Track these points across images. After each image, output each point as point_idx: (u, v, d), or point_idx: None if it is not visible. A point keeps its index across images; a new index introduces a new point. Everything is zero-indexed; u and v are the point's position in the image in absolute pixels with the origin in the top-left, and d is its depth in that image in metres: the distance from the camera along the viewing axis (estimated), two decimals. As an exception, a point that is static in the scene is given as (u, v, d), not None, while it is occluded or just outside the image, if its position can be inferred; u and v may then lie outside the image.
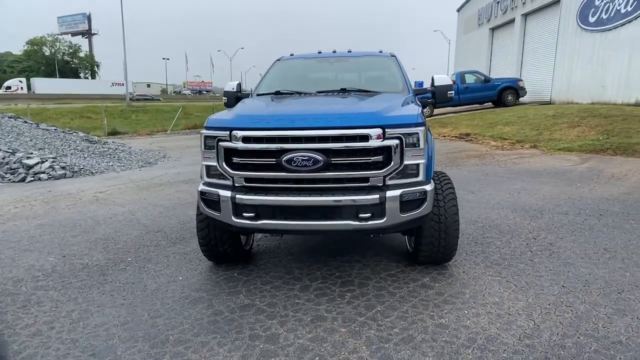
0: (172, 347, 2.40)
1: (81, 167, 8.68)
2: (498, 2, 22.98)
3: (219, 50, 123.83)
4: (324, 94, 3.75)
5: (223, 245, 3.34)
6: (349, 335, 2.45)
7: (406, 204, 2.73)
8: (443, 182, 3.15)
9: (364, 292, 3.00)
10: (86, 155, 9.79)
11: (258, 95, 4.03)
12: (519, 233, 4.13)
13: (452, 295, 2.89)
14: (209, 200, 2.95)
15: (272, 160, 2.74)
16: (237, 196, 2.79)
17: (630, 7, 11.94)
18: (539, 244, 3.83)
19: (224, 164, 2.87)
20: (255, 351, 2.33)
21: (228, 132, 2.84)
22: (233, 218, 2.84)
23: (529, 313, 2.62)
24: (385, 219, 2.71)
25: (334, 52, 4.61)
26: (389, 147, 2.69)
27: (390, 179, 2.74)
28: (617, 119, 10.11)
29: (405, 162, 2.73)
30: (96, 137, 12.32)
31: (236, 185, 2.87)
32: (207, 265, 3.60)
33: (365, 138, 2.66)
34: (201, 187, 3.00)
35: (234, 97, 4.32)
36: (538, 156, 8.96)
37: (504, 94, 17.53)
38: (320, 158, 2.65)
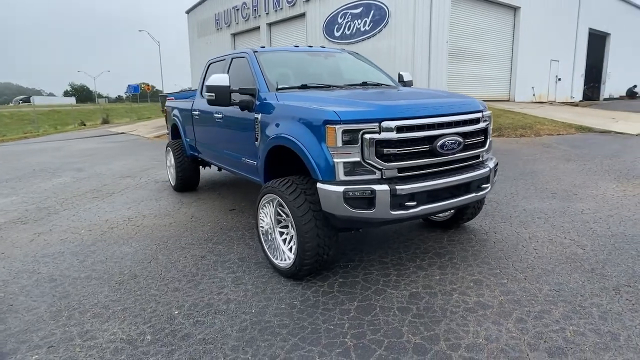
0: (444, 341, 2.35)
1: None
2: (238, 9, 24.99)
3: None
4: (359, 87, 3.95)
5: (329, 251, 3.12)
6: (520, 289, 3.05)
7: (494, 173, 3.50)
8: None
9: (463, 257, 3.57)
10: None
11: (280, 89, 3.72)
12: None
13: (508, 241, 3.87)
14: (358, 199, 2.79)
15: (425, 147, 2.92)
16: (398, 187, 2.81)
17: (368, 27, 15.97)
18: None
19: (374, 156, 2.80)
20: (490, 318, 2.61)
21: (377, 124, 2.79)
22: (391, 211, 2.83)
23: (577, 228, 3.92)
24: (490, 186, 3.39)
25: (310, 46, 4.63)
26: (486, 128, 3.37)
27: (485, 153, 3.43)
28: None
29: (489, 139, 3.49)
30: None
31: (385, 177, 2.86)
32: (289, 286, 3.20)
33: (478, 121, 3.25)
34: (342, 188, 2.78)
35: (228, 92, 3.78)
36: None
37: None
38: (461, 140, 3.06)
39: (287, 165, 3.65)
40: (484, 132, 3.34)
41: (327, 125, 2.82)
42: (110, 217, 5.27)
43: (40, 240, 4.49)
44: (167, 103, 7.16)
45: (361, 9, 15.97)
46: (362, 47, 16.21)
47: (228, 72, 4.59)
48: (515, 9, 17.64)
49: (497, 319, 2.60)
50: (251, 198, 5.87)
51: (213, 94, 3.78)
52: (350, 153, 2.80)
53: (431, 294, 2.94)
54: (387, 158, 2.83)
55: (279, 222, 3.49)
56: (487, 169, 3.32)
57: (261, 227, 3.53)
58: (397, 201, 2.84)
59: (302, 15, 19.47)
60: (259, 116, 3.64)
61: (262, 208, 3.48)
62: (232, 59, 4.60)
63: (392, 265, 3.44)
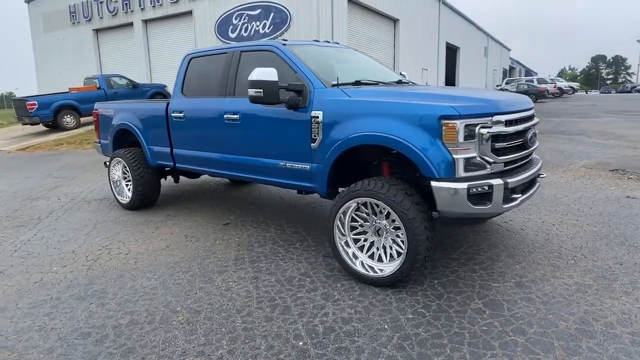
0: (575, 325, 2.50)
1: None
2: (102, 1, 22.17)
3: None
4: (397, 84, 3.91)
5: (431, 252, 3.04)
6: (593, 267, 3.41)
7: (537, 165, 3.84)
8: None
9: (514, 245, 3.83)
10: None
11: (336, 85, 3.45)
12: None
13: (530, 227, 4.29)
14: (478, 195, 2.78)
15: (520, 140, 3.07)
16: (509, 180, 2.88)
17: (268, 29, 15.72)
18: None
19: (489, 151, 2.83)
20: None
21: (489, 118, 2.83)
22: (503, 205, 2.89)
23: (568, 210, 4.49)
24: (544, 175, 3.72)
25: (327, 42, 4.35)
26: (534, 123, 3.69)
27: (530, 148, 3.74)
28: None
29: (529, 136, 3.82)
30: None
31: (494, 171, 2.91)
32: (391, 294, 3.02)
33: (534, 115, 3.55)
34: (466, 185, 2.74)
35: (278, 89, 3.38)
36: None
37: (154, 100, 17.91)
38: (536, 133, 3.29)
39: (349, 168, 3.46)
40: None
41: (446, 121, 2.75)
42: (73, 247, 4.19)
43: (3, 287, 3.33)
44: (102, 106, 6.00)
45: (259, 10, 15.73)
46: (263, 49, 15.99)
47: (238, 69, 4.08)
48: (395, 21, 19.50)
49: (609, 294, 2.88)
50: (233, 209, 5.30)
51: (261, 90, 3.33)
52: (469, 149, 2.78)
53: (532, 281, 3.10)
54: (498, 152, 2.89)
55: (352, 229, 3.27)
56: (540, 159, 3.64)
57: (339, 236, 3.24)
58: (507, 194, 2.91)
59: (189, 13, 18.28)
60: (319, 114, 3.33)
61: (340, 215, 3.20)
62: (242, 52, 4.10)
63: (466, 261, 3.51)
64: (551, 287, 3.01)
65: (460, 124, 2.73)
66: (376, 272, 3.09)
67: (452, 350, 2.34)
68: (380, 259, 3.15)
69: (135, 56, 21.34)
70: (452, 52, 28.20)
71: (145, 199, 5.38)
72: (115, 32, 22.38)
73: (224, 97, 4.13)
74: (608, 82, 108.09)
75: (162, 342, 2.54)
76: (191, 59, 4.66)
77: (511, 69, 51.55)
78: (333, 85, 3.45)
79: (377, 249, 3.18)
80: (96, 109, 6.02)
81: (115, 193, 5.64)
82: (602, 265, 3.32)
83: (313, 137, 3.40)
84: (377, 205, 3.07)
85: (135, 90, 17.37)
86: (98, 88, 16.73)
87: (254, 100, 3.39)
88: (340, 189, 3.47)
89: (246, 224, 4.72)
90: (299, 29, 14.89)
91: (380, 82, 3.84)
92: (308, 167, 3.50)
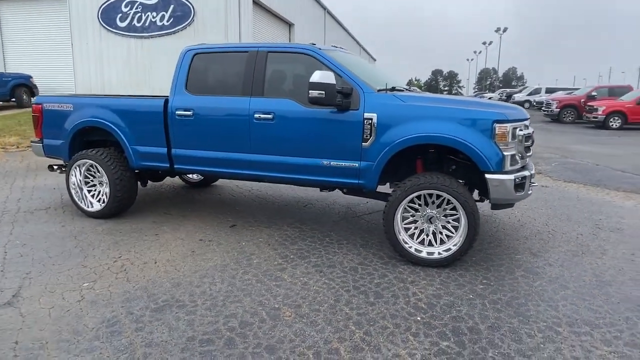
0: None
1: None
2: None
3: None
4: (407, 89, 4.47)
5: (475, 233, 3.67)
6: (598, 245, 4.45)
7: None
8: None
9: (517, 231, 4.71)
10: None
11: (383, 90, 3.83)
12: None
13: (516, 219, 5.29)
14: (519, 184, 3.50)
15: (531, 141, 3.89)
16: (532, 172, 3.68)
17: (167, 22, 14.66)
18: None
19: (523, 149, 3.58)
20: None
21: (523, 123, 3.60)
22: (528, 192, 3.68)
23: (537, 202, 5.62)
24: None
25: (336, 47, 4.61)
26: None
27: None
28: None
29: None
30: None
31: (522, 166, 3.67)
32: (450, 273, 3.56)
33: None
34: (513, 176, 3.43)
35: (335, 91, 3.63)
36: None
37: (17, 92, 15.29)
38: (531, 135, 4.19)
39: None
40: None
41: (498, 124, 3.40)
42: (77, 261, 3.72)
43: (40, 310, 2.87)
44: (50, 100, 5.21)
45: (156, 0, 14.70)
46: (161, 43, 15.04)
47: (265, 69, 4.14)
48: (290, 25, 20.16)
49: (593, 255, 3.89)
50: (223, 212, 5.21)
51: (323, 92, 3.53)
52: (513, 147, 3.48)
53: (539, 252, 3.97)
54: (525, 150, 3.66)
55: (403, 219, 3.72)
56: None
57: (397, 228, 3.65)
58: (530, 184, 3.71)
59: (63, -4, 16.00)
60: (373, 116, 3.68)
61: (403, 207, 3.61)
62: (269, 52, 4.15)
63: (481, 241, 4.22)
64: (556, 254, 3.91)
65: (510, 127, 3.41)
66: (435, 255, 3.59)
67: (535, 306, 2.98)
68: (430, 244, 3.66)
69: (-19, 39, 17.76)
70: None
71: (123, 205, 4.92)
72: (-51, 7, 18.23)
73: (250, 97, 4.13)
74: (445, 92, 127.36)
75: (294, 335, 2.62)
76: (195, 54, 4.48)
77: (374, 77, 57.09)
78: (379, 91, 3.84)
79: (427, 235, 3.68)
80: (39, 103, 5.21)
81: (80, 199, 4.99)
82: (570, 237, 4.39)
83: (365, 137, 3.73)
84: (431, 196, 3.57)
85: (-7, 81, 14.59)
86: None
87: (315, 101, 3.57)
88: None
89: (253, 225, 4.74)
90: (205, 25, 14.41)
91: (405, 89, 4.35)
92: (357, 164, 3.81)
